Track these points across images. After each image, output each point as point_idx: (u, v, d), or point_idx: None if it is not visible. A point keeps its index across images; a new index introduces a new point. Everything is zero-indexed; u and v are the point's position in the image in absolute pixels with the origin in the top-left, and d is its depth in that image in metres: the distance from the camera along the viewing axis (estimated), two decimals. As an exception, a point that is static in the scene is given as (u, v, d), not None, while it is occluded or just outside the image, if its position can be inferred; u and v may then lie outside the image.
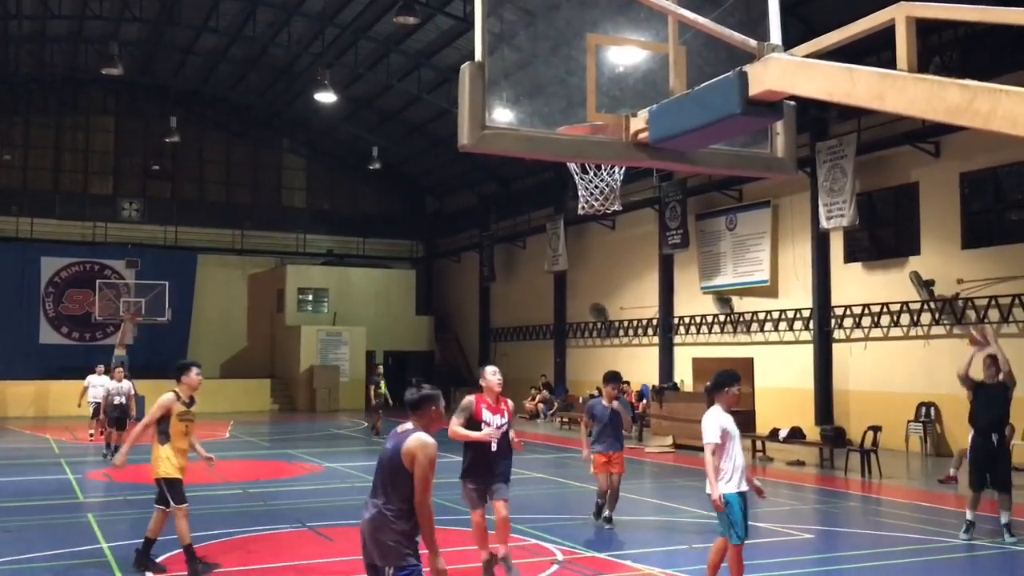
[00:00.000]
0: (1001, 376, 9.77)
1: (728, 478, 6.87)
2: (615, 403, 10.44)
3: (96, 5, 26.47)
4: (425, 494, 4.74)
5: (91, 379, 20.50)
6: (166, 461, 8.04)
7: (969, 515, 9.86)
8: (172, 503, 8.02)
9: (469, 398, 7.78)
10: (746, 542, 7.00)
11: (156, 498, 8.21)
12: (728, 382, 7.14)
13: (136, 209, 35.91)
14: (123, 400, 17.44)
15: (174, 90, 34.42)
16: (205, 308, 35.54)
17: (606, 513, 10.29)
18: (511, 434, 7.88)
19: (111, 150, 35.83)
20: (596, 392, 26.19)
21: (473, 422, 7.63)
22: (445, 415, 5.15)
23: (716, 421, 7.06)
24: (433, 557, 4.75)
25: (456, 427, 7.64)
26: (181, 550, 8.12)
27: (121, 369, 18.46)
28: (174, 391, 8.22)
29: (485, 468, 7.62)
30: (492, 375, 7.71)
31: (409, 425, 4.93)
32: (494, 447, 7.57)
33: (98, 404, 19.55)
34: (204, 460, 8.65)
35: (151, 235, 35.41)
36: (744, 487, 6.91)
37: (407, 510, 4.78)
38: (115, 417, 17.31)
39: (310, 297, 35.62)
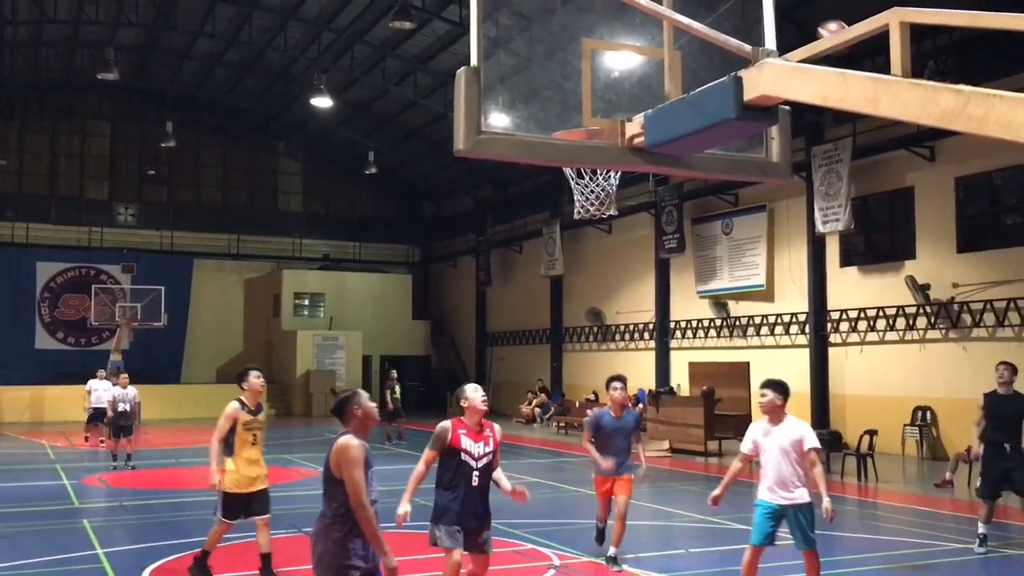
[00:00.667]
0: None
1: (761, 485, 6.99)
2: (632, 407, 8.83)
3: (92, 10, 26.44)
4: (358, 496, 4.69)
5: (92, 383, 20.13)
6: (231, 474, 7.80)
7: (982, 528, 9.45)
8: (218, 514, 7.83)
9: (444, 424, 6.41)
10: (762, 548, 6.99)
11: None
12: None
13: (132, 214, 35.86)
14: (127, 407, 16.87)
15: (170, 95, 34.42)
16: (201, 313, 35.50)
17: (611, 552, 8.64)
18: (504, 480, 6.58)
19: (107, 155, 35.81)
20: (593, 396, 26.28)
21: (450, 452, 6.32)
22: (376, 411, 5.09)
23: (749, 431, 7.25)
24: (383, 556, 4.73)
25: (420, 465, 6.40)
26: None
27: (126, 376, 17.90)
28: (239, 399, 7.95)
29: (466, 508, 6.29)
30: (474, 392, 6.47)
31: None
32: (475, 481, 6.25)
33: (97, 409, 19.23)
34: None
35: (147, 240, 35.36)
36: (771, 497, 6.87)
37: (341, 516, 4.75)
38: (121, 425, 16.75)
39: (306, 302, 35.60)
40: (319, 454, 18.94)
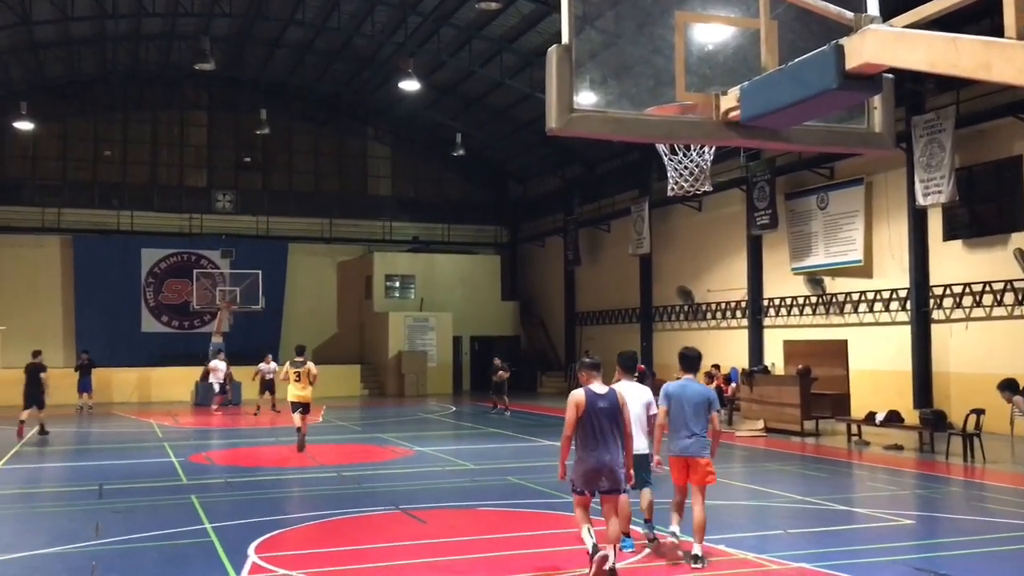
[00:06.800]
0: None
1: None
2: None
3: (188, 2, 27.25)
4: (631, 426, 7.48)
5: (262, 366, 24.37)
6: None
7: None
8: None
9: None
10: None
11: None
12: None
13: (229, 200, 36.94)
14: (271, 375, 23.40)
15: (263, 83, 35.24)
16: (296, 296, 36.42)
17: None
18: None
19: (205, 143, 36.94)
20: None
21: None
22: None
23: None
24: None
25: None
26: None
27: (270, 356, 24.44)
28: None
29: None
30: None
31: (605, 386, 7.38)
32: None
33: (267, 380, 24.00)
34: None
35: (244, 225, 36.41)
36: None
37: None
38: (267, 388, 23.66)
39: (397, 283, 36.13)
40: (413, 433, 19.40)
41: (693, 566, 7.61)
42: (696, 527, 7.71)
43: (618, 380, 8.35)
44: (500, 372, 24.42)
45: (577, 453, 7.27)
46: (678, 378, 8.37)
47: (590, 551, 7.04)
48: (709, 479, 7.79)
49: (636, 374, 8.55)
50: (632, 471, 7.57)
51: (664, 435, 7.98)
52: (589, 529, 7.21)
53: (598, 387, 7.35)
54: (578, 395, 7.29)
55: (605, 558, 6.99)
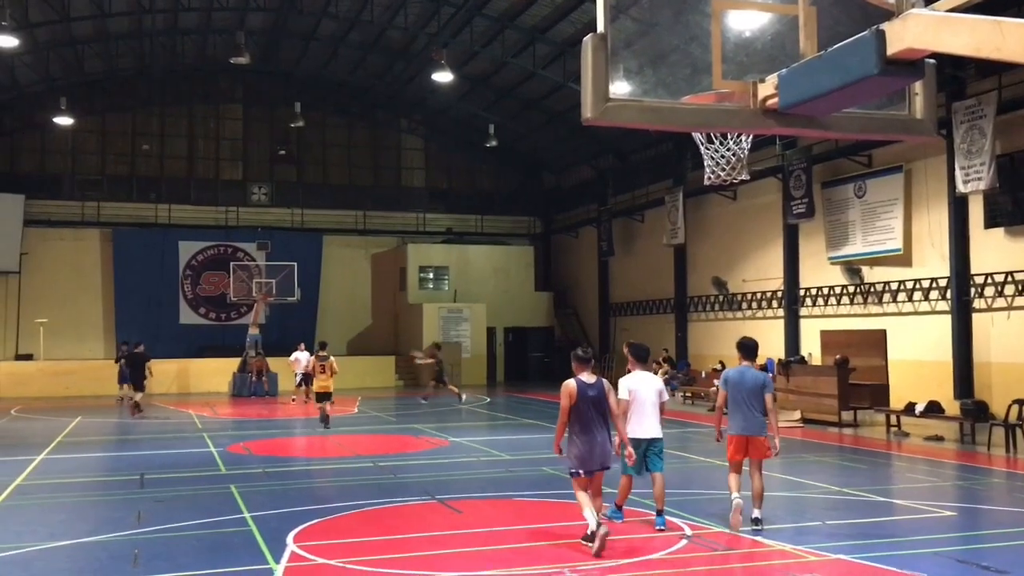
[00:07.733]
0: None
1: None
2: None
3: (223, -4, 27.47)
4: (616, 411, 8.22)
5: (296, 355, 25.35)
6: None
7: None
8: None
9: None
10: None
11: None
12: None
13: (265, 193, 37.26)
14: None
15: (297, 76, 35.45)
16: (331, 287, 36.68)
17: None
18: None
19: (240, 137, 37.25)
20: (720, 366, 25.85)
21: None
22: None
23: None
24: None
25: None
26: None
27: (302, 345, 25.53)
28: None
29: None
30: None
31: (594, 376, 7.99)
32: None
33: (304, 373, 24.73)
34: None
35: (279, 218, 36.70)
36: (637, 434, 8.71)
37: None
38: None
39: (431, 275, 36.23)
40: (447, 424, 19.45)
41: (753, 528, 8.58)
42: (755, 494, 8.72)
43: (631, 370, 8.99)
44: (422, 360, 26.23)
45: (571, 438, 8.01)
46: (724, 364, 9.51)
47: (593, 527, 7.69)
48: (767, 454, 8.83)
49: (651, 363, 9.33)
50: (632, 450, 8.44)
51: (725, 413, 9.07)
52: (591, 510, 7.87)
53: (587, 377, 8.06)
54: (570, 385, 7.98)
55: (608, 532, 7.72)
